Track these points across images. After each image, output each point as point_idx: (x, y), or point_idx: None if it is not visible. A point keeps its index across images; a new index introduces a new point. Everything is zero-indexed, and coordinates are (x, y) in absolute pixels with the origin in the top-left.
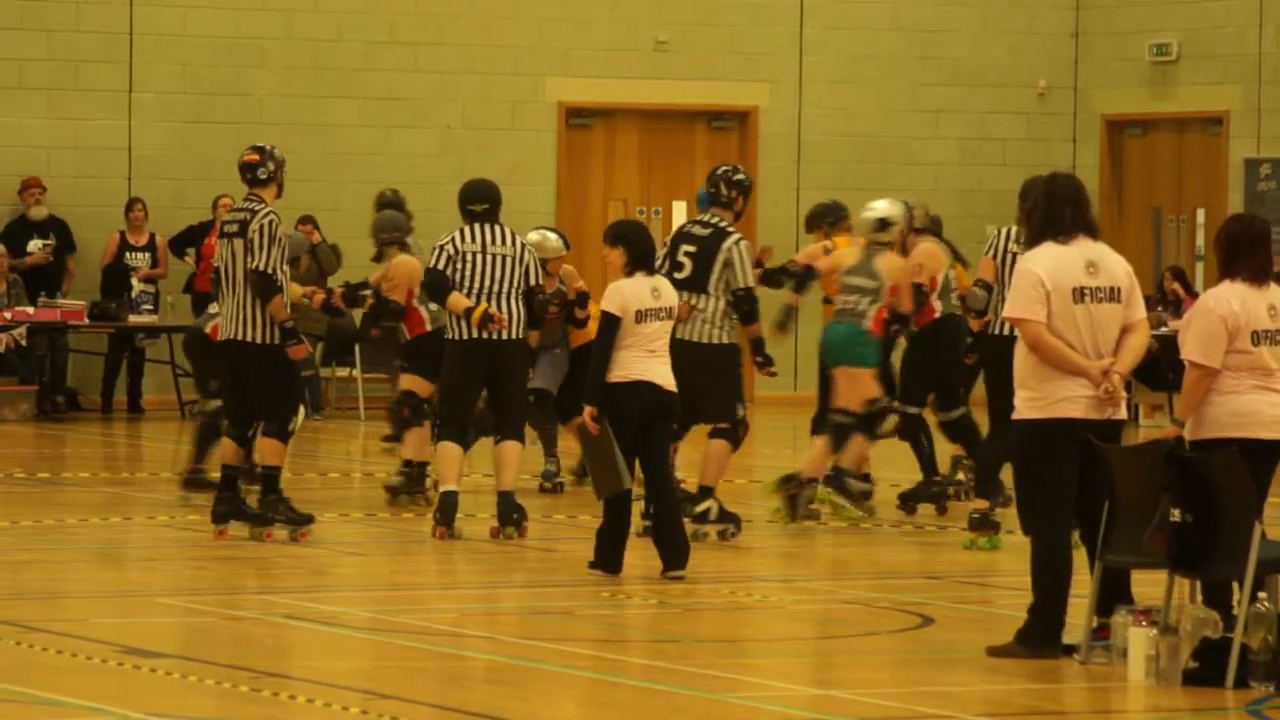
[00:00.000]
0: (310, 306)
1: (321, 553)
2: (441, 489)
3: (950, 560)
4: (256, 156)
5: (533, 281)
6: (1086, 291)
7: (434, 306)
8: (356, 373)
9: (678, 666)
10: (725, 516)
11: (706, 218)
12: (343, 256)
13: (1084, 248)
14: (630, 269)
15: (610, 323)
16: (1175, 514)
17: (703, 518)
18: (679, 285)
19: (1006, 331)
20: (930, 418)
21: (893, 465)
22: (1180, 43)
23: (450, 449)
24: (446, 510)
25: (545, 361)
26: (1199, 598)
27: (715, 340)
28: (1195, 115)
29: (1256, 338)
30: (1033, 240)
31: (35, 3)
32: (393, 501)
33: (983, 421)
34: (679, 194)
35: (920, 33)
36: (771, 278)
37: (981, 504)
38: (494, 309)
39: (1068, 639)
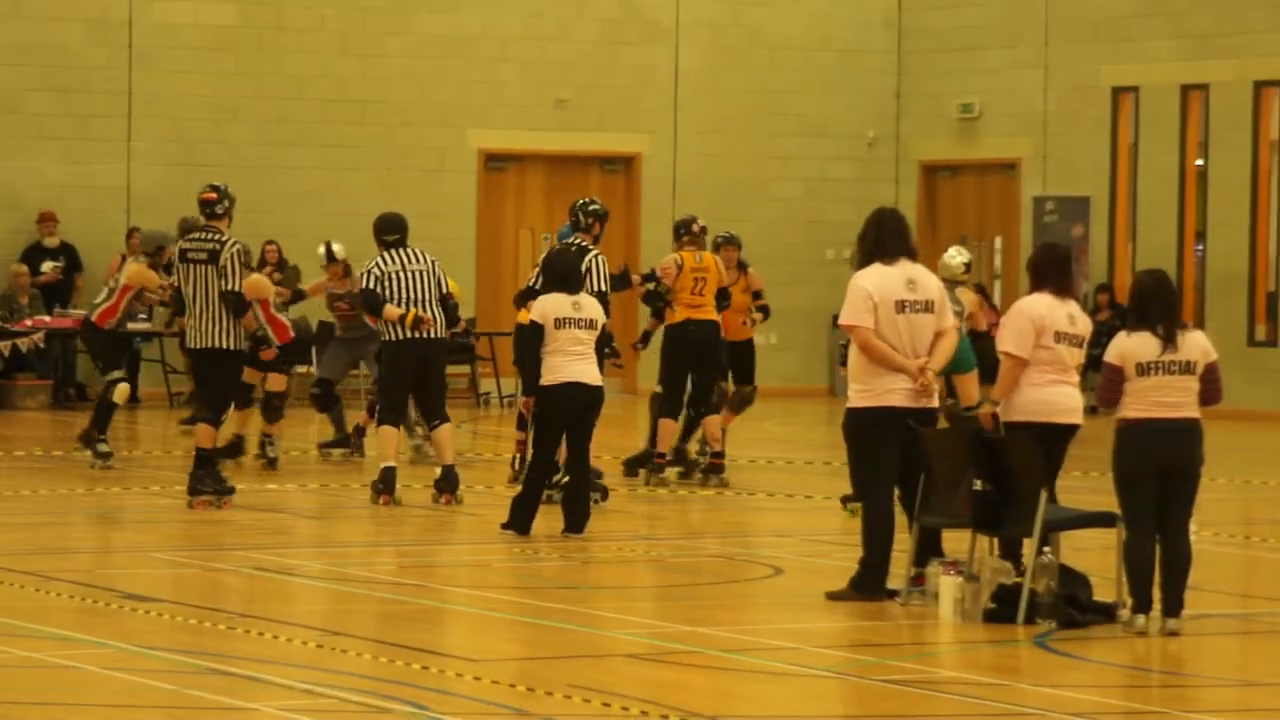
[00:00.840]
0: (161, 297)
1: (284, 517)
2: (383, 465)
3: (795, 522)
4: (214, 195)
5: (444, 290)
6: (906, 304)
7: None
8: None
9: (576, 608)
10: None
11: (572, 240)
12: (301, 274)
13: (905, 268)
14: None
15: (535, 330)
16: (978, 484)
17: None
18: None
19: None
20: None
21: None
22: (982, 103)
23: (390, 431)
24: (389, 481)
25: (329, 354)
26: (997, 551)
27: None
28: (994, 161)
29: (1058, 337)
30: (864, 261)
31: (51, 69)
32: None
33: None
34: None
35: (773, 93)
36: (651, 299)
37: None
38: (423, 313)
39: (891, 585)
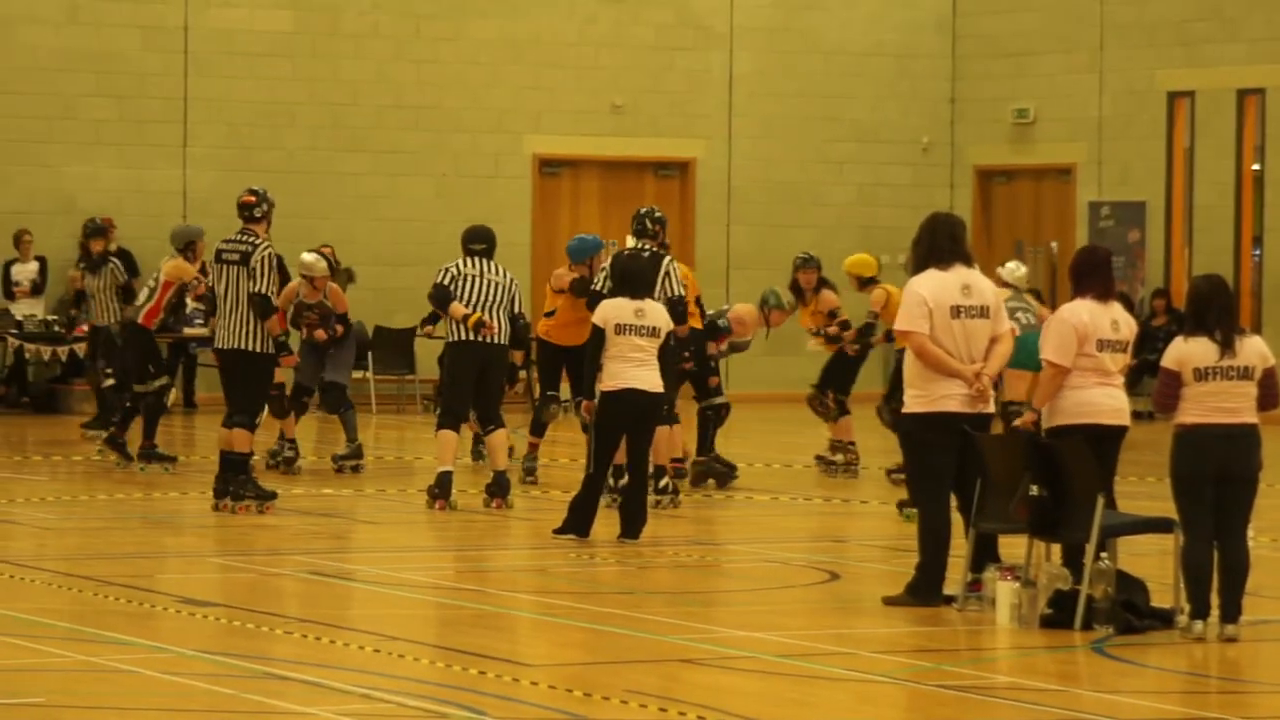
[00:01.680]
0: (199, 289)
1: (340, 522)
2: (439, 469)
3: (850, 527)
4: (254, 198)
5: (517, 309)
6: (962, 309)
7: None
8: (369, 374)
9: (633, 614)
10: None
11: (641, 245)
12: (356, 277)
13: (960, 273)
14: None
15: (595, 335)
16: (1034, 489)
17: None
18: None
19: None
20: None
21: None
22: (1037, 108)
23: (448, 435)
24: (444, 486)
25: (334, 359)
26: (1053, 557)
27: None
28: (1049, 166)
29: (1100, 345)
30: (918, 266)
31: (109, 75)
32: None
33: None
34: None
35: (827, 98)
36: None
37: None
38: (486, 317)
39: (948, 591)
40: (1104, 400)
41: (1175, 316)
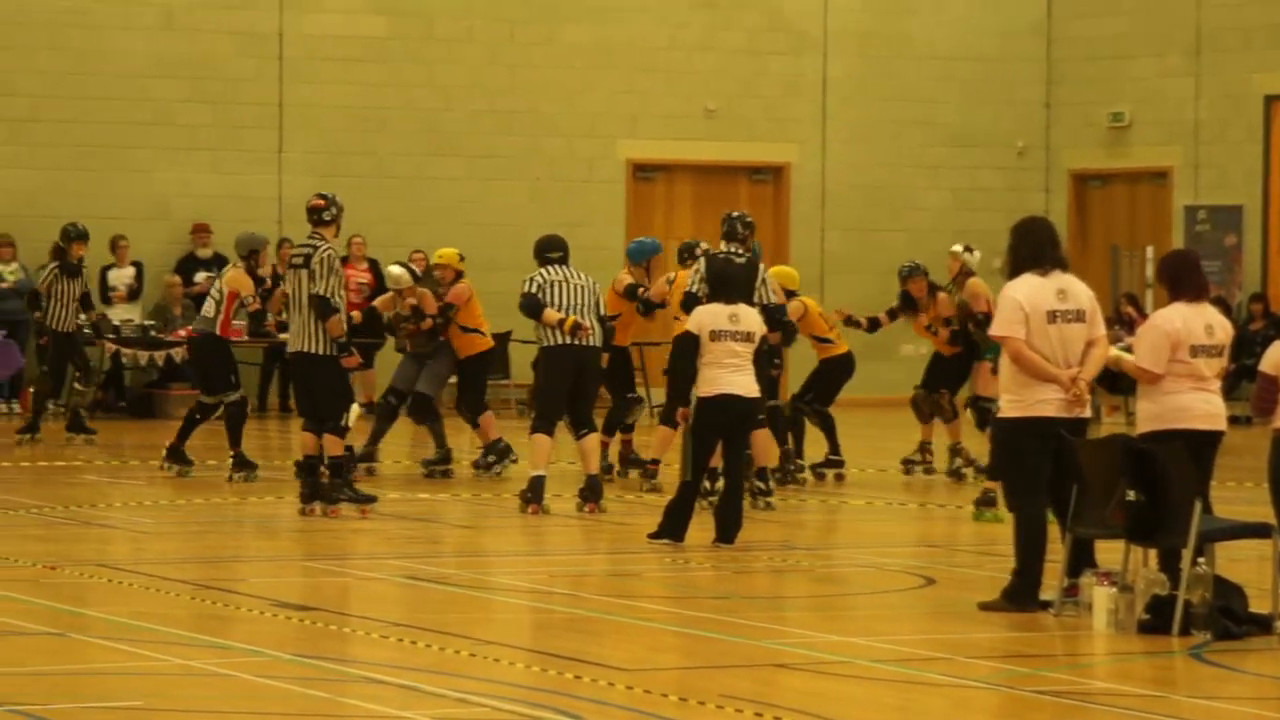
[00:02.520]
0: (253, 306)
1: (436, 526)
2: (532, 473)
3: (947, 532)
4: (323, 202)
5: (602, 311)
6: (1058, 314)
7: None
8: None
9: (728, 618)
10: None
11: (733, 249)
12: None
13: (1056, 278)
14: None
15: (690, 341)
16: (1131, 494)
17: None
18: None
19: None
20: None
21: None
22: (1132, 112)
23: (543, 440)
24: (537, 490)
25: (428, 370)
26: (1150, 562)
27: None
28: (1144, 170)
29: (1194, 351)
30: (1014, 271)
31: (203, 81)
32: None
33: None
34: None
35: (921, 103)
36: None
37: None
38: (582, 320)
39: (1044, 596)
40: (1199, 405)
41: (1273, 321)
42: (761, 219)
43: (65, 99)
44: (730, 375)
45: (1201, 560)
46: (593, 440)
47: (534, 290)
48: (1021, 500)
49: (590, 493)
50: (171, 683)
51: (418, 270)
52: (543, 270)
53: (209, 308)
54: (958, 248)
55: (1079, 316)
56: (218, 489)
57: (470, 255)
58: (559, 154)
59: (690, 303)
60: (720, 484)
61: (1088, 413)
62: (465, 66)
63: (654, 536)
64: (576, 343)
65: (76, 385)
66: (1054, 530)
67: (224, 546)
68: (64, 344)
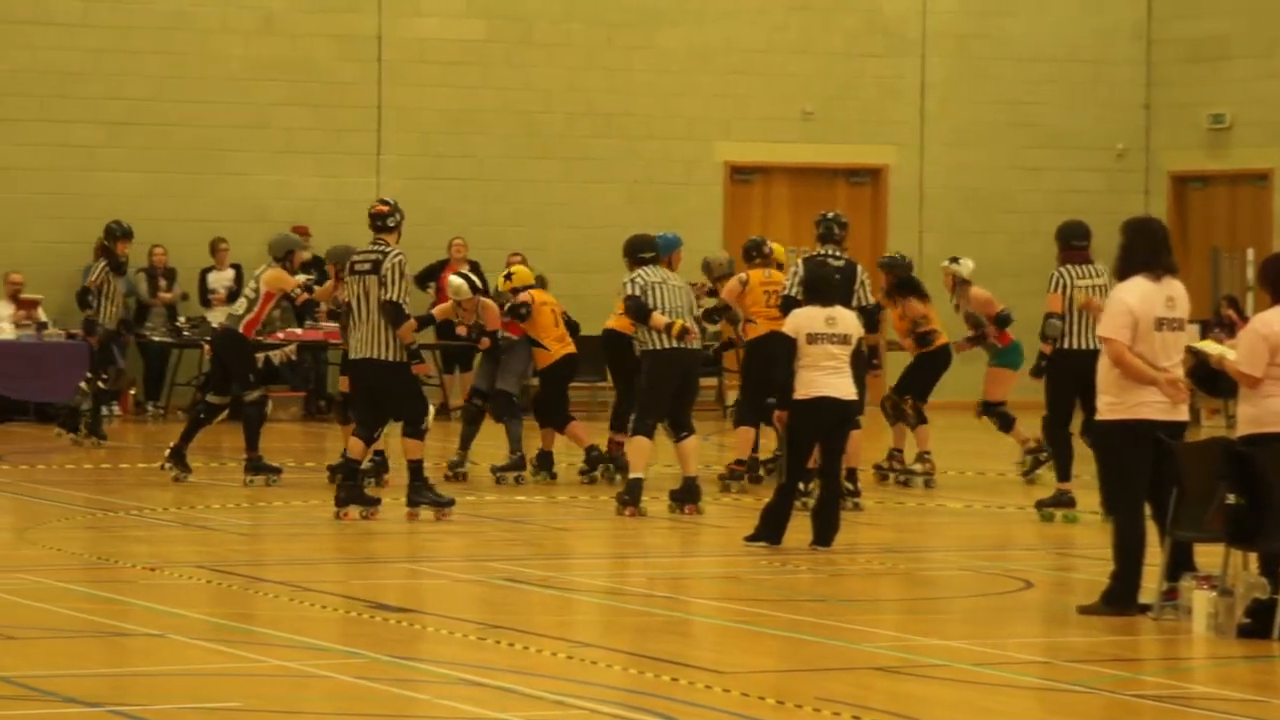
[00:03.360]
0: (300, 299)
1: (533, 529)
2: (631, 476)
3: (1044, 535)
4: (386, 208)
5: (697, 311)
6: (1165, 321)
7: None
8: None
9: (825, 621)
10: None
11: (829, 251)
12: (547, 283)
13: (1166, 284)
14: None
15: (787, 344)
16: (1230, 498)
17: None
18: None
19: (1070, 347)
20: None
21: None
22: (1233, 113)
23: (643, 442)
24: (635, 493)
25: (503, 367)
26: (1251, 566)
27: None
28: (1245, 172)
29: None
30: (1127, 271)
31: (303, 84)
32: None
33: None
34: None
35: (1019, 104)
36: (709, 316)
37: (1064, 485)
38: (688, 323)
39: (1143, 600)
40: None
41: None
42: (859, 221)
43: (167, 102)
44: (828, 378)
45: None
46: (692, 443)
47: (638, 292)
48: (1120, 503)
49: (688, 495)
50: (268, 684)
51: (477, 281)
52: (641, 271)
53: (240, 305)
54: (946, 262)
55: (1181, 325)
56: (316, 490)
57: (568, 258)
58: (656, 156)
59: (788, 305)
60: (815, 486)
61: (1186, 416)
62: (563, 69)
63: (751, 539)
64: (681, 346)
65: (100, 384)
66: (1153, 533)
67: (320, 548)
68: (116, 343)
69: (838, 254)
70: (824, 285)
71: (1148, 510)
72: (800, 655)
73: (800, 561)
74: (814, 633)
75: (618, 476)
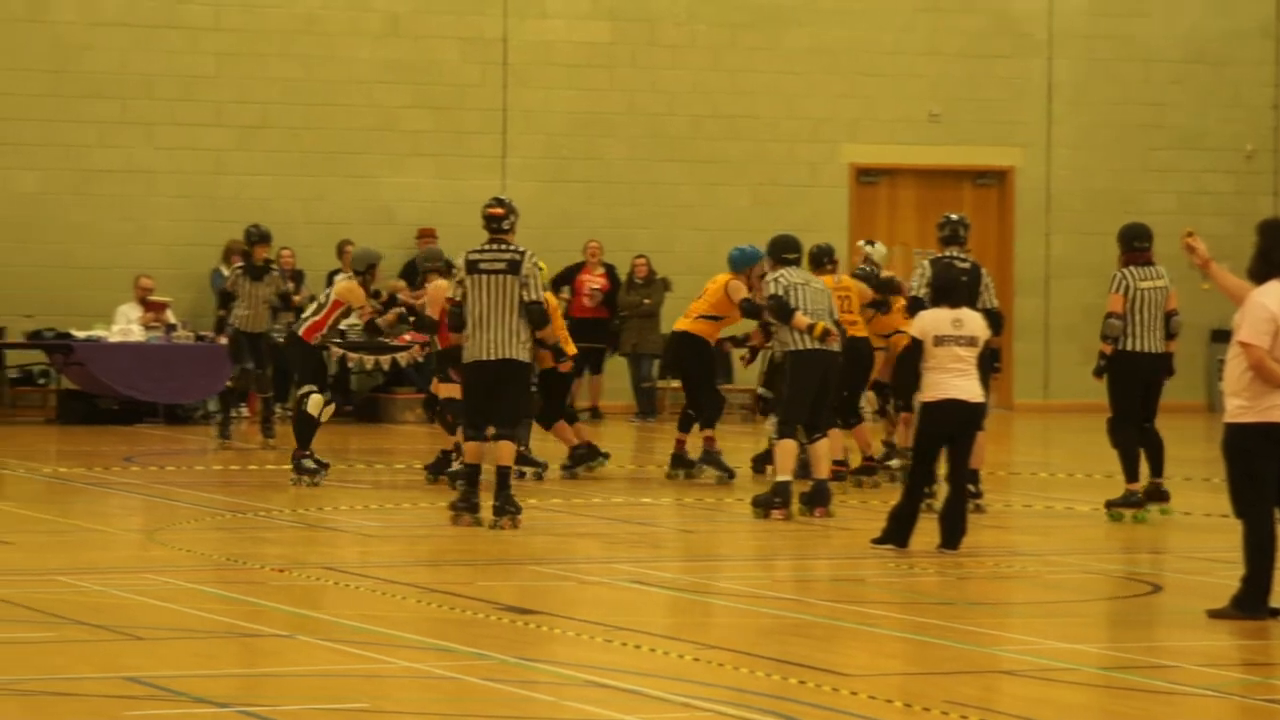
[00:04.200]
0: (364, 316)
1: (658, 530)
2: (778, 479)
3: (1173, 539)
4: (502, 210)
5: (836, 314)
6: None
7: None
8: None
9: (953, 624)
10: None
11: (954, 253)
12: (672, 285)
13: None
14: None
15: (914, 346)
16: None
17: None
18: None
19: (1132, 348)
20: None
21: None
22: None
23: (790, 445)
24: (785, 496)
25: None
26: None
27: None
28: None
29: None
30: (1265, 274)
31: (428, 87)
32: (433, 482)
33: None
34: None
35: (1147, 105)
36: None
37: (1133, 485)
38: (829, 325)
39: (1275, 603)
40: None
41: None
42: (985, 223)
43: (294, 105)
44: (955, 379)
45: None
46: (824, 445)
47: (780, 292)
48: (1249, 506)
49: (818, 497)
50: (397, 685)
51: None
52: (785, 271)
53: (310, 309)
54: (860, 241)
55: None
56: (442, 492)
57: (694, 260)
58: (782, 159)
59: (915, 307)
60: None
61: None
62: (689, 71)
63: (878, 542)
64: (822, 347)
65: (228, 384)
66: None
67: (448, 549)
68: (247, 345)
69: (963, 256)
70: (952, 287)
71: (1279, 513)
72: (927, 658)
73: (927, 564)
74: (941, 635)
75: (681, 474)
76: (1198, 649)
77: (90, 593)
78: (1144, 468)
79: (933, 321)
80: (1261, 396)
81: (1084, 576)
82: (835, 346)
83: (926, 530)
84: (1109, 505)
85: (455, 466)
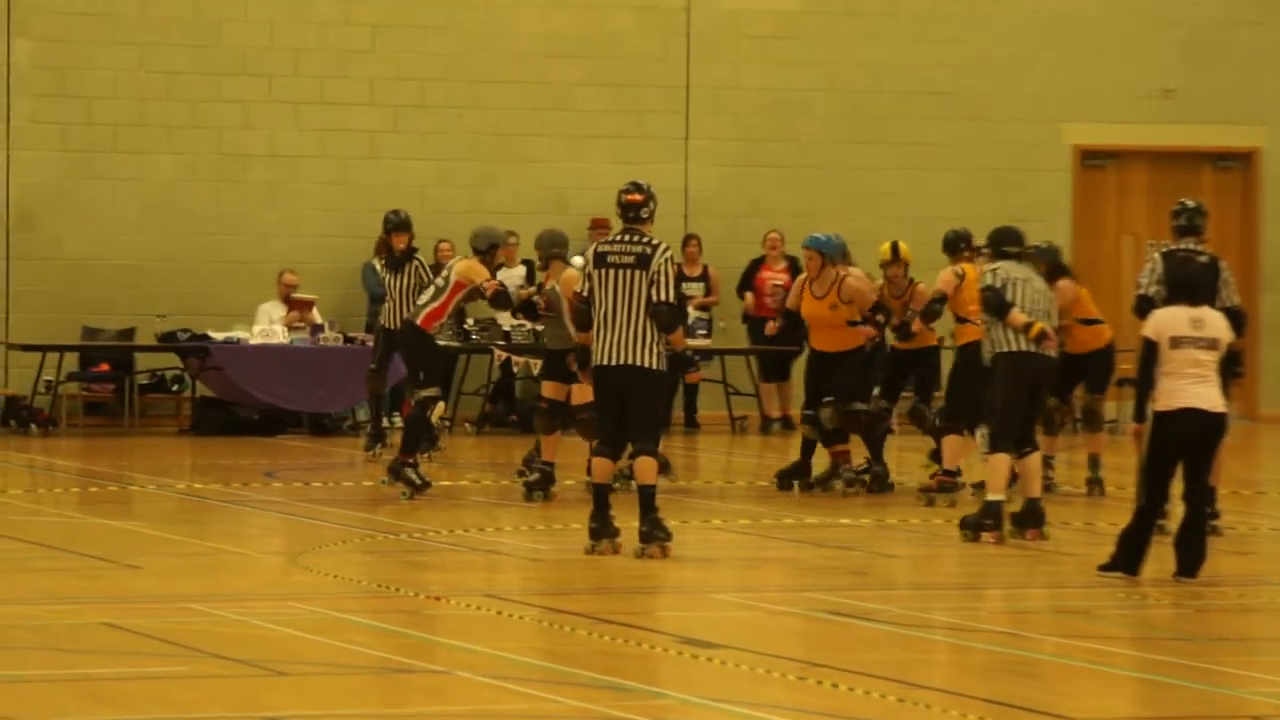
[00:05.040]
0: (490, 290)
1: (859, 555)
2: (990, 498)
3: None
4: (640, 196)
5: (1055, 319)
6: None
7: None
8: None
9: (1192, 662)
10: None
11: (1191, 245)
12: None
13: None
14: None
15: (1148, 349)
16: None
17: None
18: None
19: None
20: None
21: None
22: None
23: (1002, 460)
24: (996, 517)
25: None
26: None
27: None
28: None
29: None
30: None
31: (603, 61)
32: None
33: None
34: None
35: None
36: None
37: None
38: (1048, 327)
39: None
40: None
41: None
42: (1227, 211)
43: (455, 83)
44: (1193, 386)
45: None
46: (1035, 460)
47: (999, 285)
48: None
49: (1031, 518)
50: None
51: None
52: (1004, 265)
53: (427, 294)
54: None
55: None
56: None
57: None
58: (996, 140)
59: (1145, 305)
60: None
61: None
62: (891, 43)
63: (1105, 569)
64: (1038, 351)
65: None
66: None
67: (623, 575)
68: (390, 343)
69: (1199, 249)
70: (1192, 283)
71: None
72: (1163, 700)
73: (1162, 594)
74: (1178, 675)
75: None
76: None
77: (227, 622)
78: None
79: (1169, 321)
80: None
81: None
82: (1052, 352)
83: (1160, 556)
84: None
85: (531, 476)
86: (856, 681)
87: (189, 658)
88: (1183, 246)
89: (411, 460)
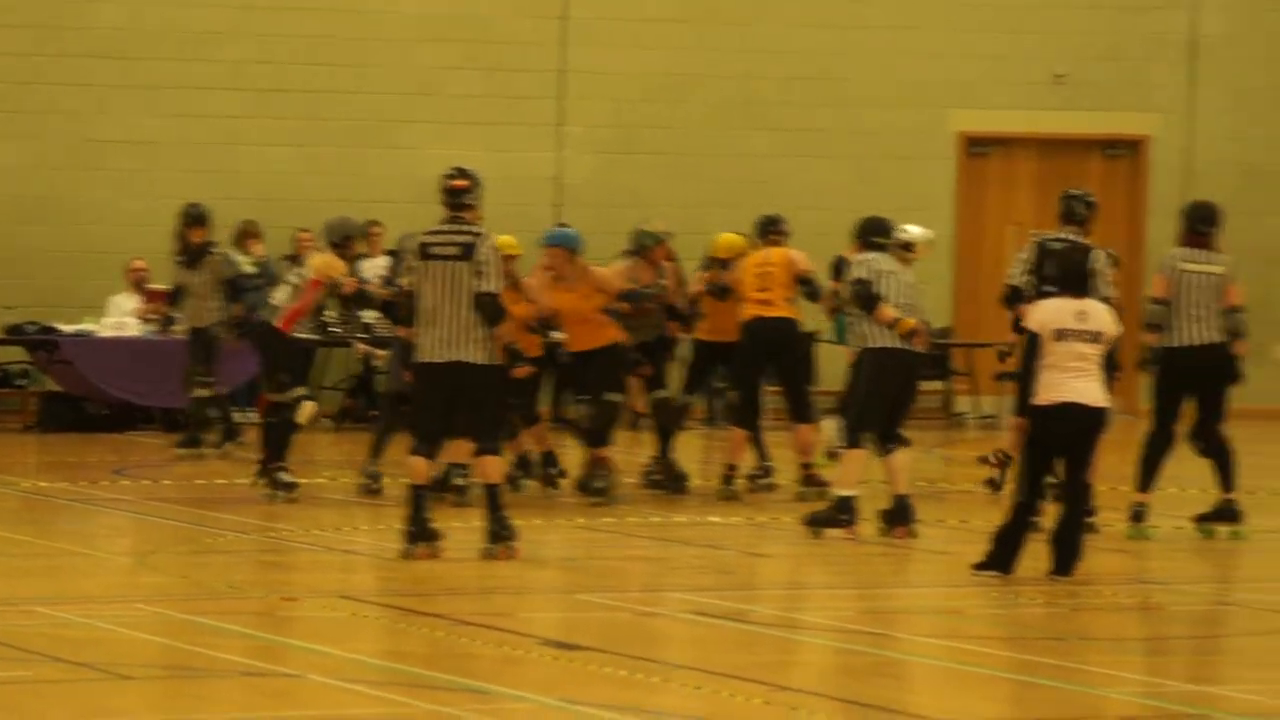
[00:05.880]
0: (348, 289)
1: (728, 554)
2: (840, 493)
3: None
4: (466, 182)
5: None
6: None
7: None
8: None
9: (1063, 662)
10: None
11: (1072, 234)
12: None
13: None
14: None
15: (1032, 341)
16: None
17: None
18: None
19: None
20: None
21: None
22: None
23: (858, 455)
24: (849, 512)
25: None
26: None
27: None
28: None
29: None
30: None
31: (474, 44)
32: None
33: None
34: None
35: None
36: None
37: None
38: (920, 324)
39: None
40: None
41: None
42: (1115, 200)
43: (319, 66)
44: (1074, 381)
45: None
46: (902, 457)
47: (866, 276)
48: None
49: (899, 515)
50: None
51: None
52: (874, 256)
53: (284, 294)
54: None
55: None
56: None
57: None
58: (879, 127)
59: (1014, 296)
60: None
61: None
62: (775, 26)
63: (979, 567)
64: (907, 347)
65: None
66: None
67: (483, 576)
68: (205, 343)
69: (1077, 238)
70: (1074, 274)
71: None
72: (1028, 701)
73: (1035, 593)
74: (1046, 675)
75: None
76: None
77: (71, 625)
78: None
79: (1054, 313)
80: None
81: (1216, 608)
82: (921, 347)
83: (1037, 554)
84: (1200, 519)
85: (459, 480)
86: (721, 684)
87: (31, 662)
88: (1059, 235)
89: (279, 464)
